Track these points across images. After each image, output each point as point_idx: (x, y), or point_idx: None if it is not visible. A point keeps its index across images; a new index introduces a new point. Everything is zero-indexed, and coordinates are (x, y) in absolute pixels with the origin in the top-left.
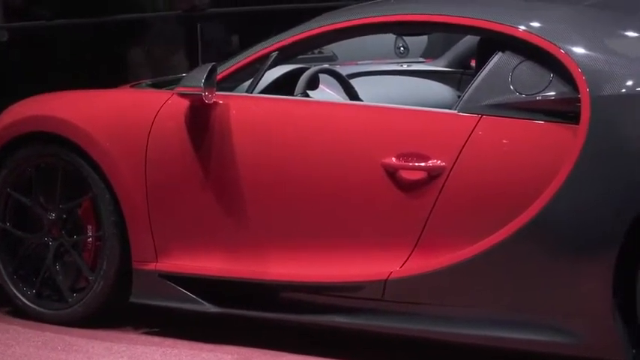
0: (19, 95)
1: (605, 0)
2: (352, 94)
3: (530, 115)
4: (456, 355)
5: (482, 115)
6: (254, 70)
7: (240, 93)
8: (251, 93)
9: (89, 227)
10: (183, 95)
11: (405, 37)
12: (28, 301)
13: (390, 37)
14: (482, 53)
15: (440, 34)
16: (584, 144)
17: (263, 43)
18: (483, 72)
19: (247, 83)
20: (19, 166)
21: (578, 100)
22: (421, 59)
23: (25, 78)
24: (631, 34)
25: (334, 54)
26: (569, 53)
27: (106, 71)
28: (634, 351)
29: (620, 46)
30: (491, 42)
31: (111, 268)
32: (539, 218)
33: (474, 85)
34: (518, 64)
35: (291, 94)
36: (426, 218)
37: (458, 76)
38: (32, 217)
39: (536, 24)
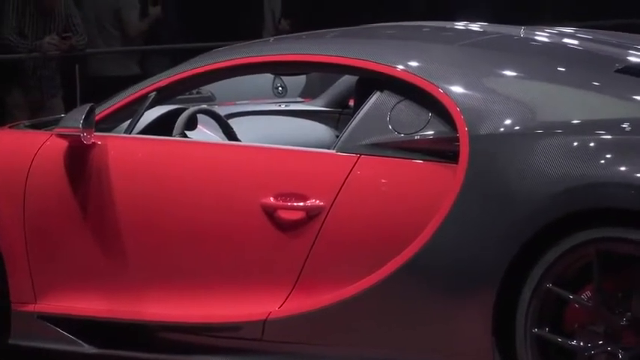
0: None
1: (483, 39)
2: (230, 135)
3: (408, 154)
4: None
5: (361, 154)
6: (133, 110)
7: (118, 134)
8: (129, 134)
9: None
10: (61, 136)
11: (283, 77)
12: None
13: (268, 77)
14: (361, 93)
15: (318, 73)
16: (463, 183)
17: (141, 83)
18: (361, 111)
19: (126, 124)
20: None
21: (457, 139)
22: (299, 99)
23: None
24: (509, 72)
25: (212, 94)
26: (447, 92)
27: None
28: None
29: (498, 84)
30: (370, 81)
31: None
32: (419, 257)
33: (352, 124)
34: (397, 103)
35: (170, 134)
36: (305, 258)
37: (336, 116)
38: None
39: (414, 63)
